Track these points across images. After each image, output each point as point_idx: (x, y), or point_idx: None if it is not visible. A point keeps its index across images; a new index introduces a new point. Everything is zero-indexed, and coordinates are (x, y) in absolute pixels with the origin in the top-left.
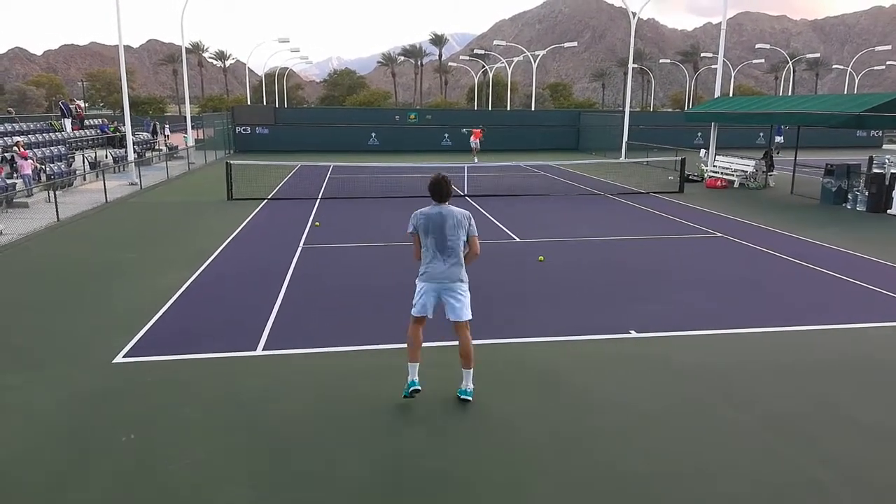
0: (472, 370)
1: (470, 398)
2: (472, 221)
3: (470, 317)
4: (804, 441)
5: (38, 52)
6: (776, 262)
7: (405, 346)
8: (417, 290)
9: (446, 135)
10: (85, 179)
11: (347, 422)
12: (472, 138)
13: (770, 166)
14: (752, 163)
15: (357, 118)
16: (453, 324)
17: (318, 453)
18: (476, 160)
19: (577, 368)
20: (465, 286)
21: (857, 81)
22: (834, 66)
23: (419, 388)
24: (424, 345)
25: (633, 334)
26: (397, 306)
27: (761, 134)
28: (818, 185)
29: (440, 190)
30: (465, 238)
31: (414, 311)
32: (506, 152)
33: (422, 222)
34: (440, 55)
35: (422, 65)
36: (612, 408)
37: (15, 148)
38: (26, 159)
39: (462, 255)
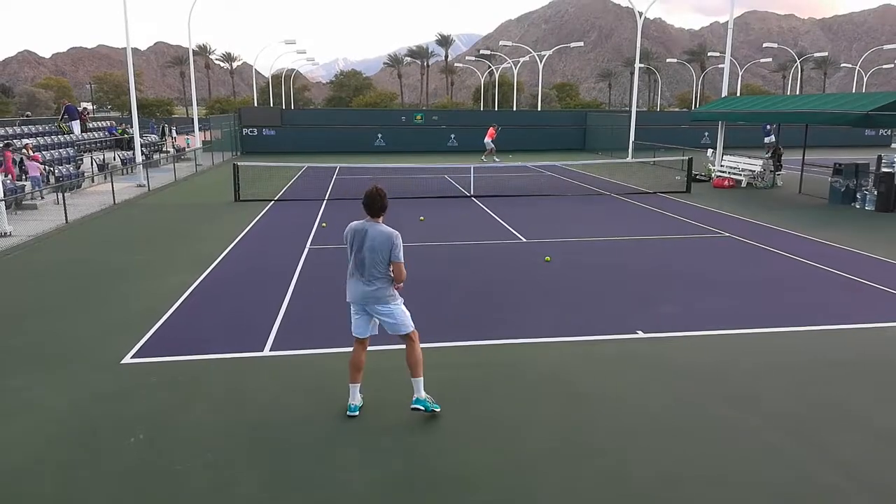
0: (421, 379)
1: (423, 408)
2: (398, 245)
3: (409, 328)
4: (816, 444)
5: (47, 55)
6: (784, 262)
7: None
8: (350, 309)
9: (452, 135)
10: (93, 181)
11: (355, 423)
12: (486, 137)
13: (778, 166)
14: (760, 162)
15: (363, 119)
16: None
17: (326, 455)
18: (496, 159)
19: (583, 369)
20: (391, 303)
21: (865, 80)
22: (842, 65)
23: (356, 413)
24: (424, 346)
25: (641, 335)
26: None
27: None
28: (826, 185)
29: (370, 204)
30: (385, 261)
31: (353, 332)
32: (512, 152)
33: (349, 236)
34: (446, 56)
35: (428, 66)
36: (619, 409)
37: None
38: (35, 161)
39: (383, 276)
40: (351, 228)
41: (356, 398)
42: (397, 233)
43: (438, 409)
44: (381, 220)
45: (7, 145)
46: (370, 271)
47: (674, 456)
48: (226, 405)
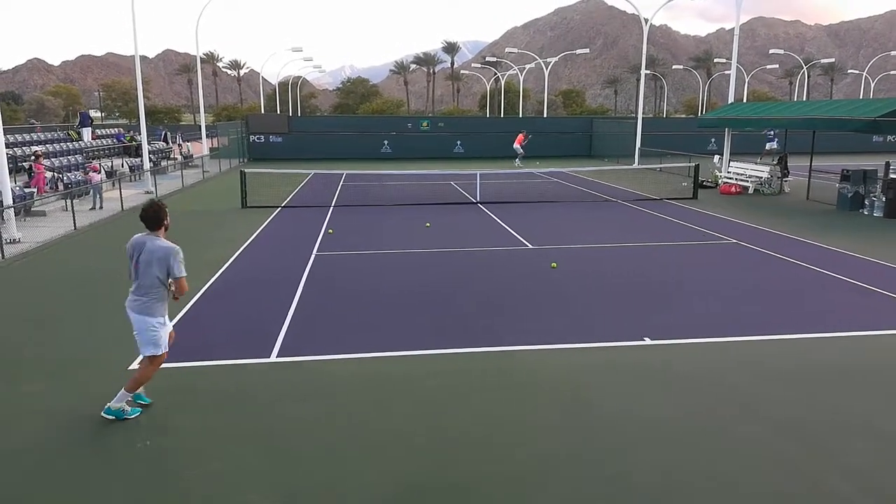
0: (128, 395)
1: (110, 416)
2: (177, 261)
3: (159, 352)
4: (824, 451)
5: (56, 63)
6: (792, 269)
7: (420, 352)
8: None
9: (458, 142)
10: (101, 188)
11: (361, 429)
12: (515, 143)
13: (785, 172)
14: (767, 168)
15: (370, 126)
16: None
17: (334, 461)
18: (518, 163)
19: (589, 376)
20: (151, 322)
21: (872, 86)
22: (849, 71)
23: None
24: (430, 352)
25: (648, 342)
26: (410, 313)
27: (776, 140)
28: (834, 191)
29: (146, 218)
30: (162, 275)
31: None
32: (523, 159)
33: (128, 248)
34: (452, 63)
35: (434, 73)
36: (624, 416)
37: (33, 158)
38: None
39: (153, 290)
40: (132, 239)
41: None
42: (178, 248)
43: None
44: (161, 233)
45: (38, 157)
46: (140, 284)
47: (680, 463)
48: (233, 411)
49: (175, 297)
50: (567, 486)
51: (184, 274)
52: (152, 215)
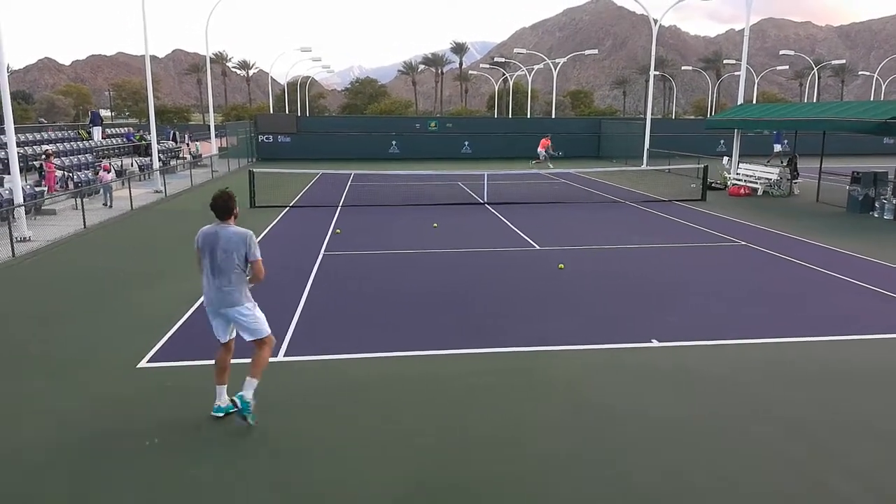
0: (256, 381)
1: (240, 407)
2: (253, 244)
3: (265, 333)
4: (830, 453)
5: (66, 63)
6: (801, 271)
7: (428, 353)
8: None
9: (466, 142)
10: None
11: (368, 431)
12: (539, 147)
13: (795, 174)
14: (776, 170)
15: (378, 126)
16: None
17: (342, 460)
18: (550, 166)
19: (597, 377)
20: (246, 308)
21: (883, 88)
22: (860, 73)
23: (221, 414)
24: (439, 352)
25: (655, 343)
26: (419, 313)
27: (785, 141)
28: (844, 194)
29: (216, 207)
30: (241, 262)
31: (216, 336)
32: (526, 160)
33: (199, 241)
34: (461, 63)
35: (442, 73)
36: (631, 418)
37: (44, 157)
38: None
39: (237, 278)
40: (202, 232)
41: (223, 399)
42: (251, 232)
43: (252, 423)
44: (231, 222)
45: (48, 156)
46: (224, 273)
47: (686, 464)
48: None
49: (251, 281)
50: (573, 486)
51: (259, 257)
52: (222, 204)
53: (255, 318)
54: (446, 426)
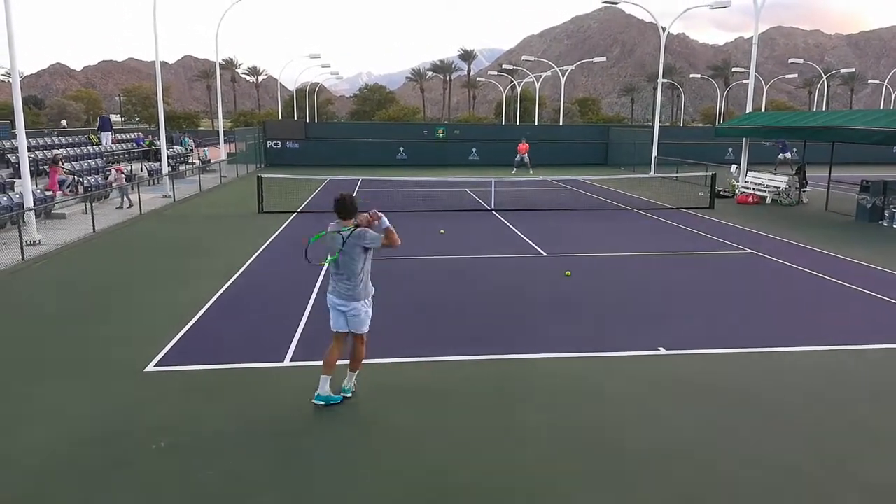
0: (356, 373)
1: (349, 395)
2: (367, 235)
3: (366, 330)
4: (840, 465)
5: (78, 68)
6: (809, 280)
7: (432, 359)
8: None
9: (474, 149)
10: (128, 189)
11: (372, 433)
12: (522, 151)
13: (804, 182)
14: (785, 178)
15: (386, 133)
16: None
17: (345, 464)
18: (529, 172)
19: (604, 385)
20: (361, 303)
21: (893, 96)
22: (869, 81)
23: (322, 402)
24: (444, 359)
25: (662, 351)
26: (422, 319)
27: (794, 149)
28: (853, 202)
29: (340, 208)
30: (362, 255)
31: (331, 326)
32: (534, 167)
33: (326, 238)
34: (469, 70)
35: (450, 80)
36: (638, 426)
37: (52, 160)
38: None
39: (354, 276)
40: (327, 230)
41: (325, 389)
42: (362, 228)
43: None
44: (351, 222)
45: (55, 160)
46: (345, 269)
47: (692, 475)
48: (247, 414)
49: (394, 245)
50: (576, 497)
51: (382, 232)
52: (345, 206)
53: (367, 313)
54: (450, 428)
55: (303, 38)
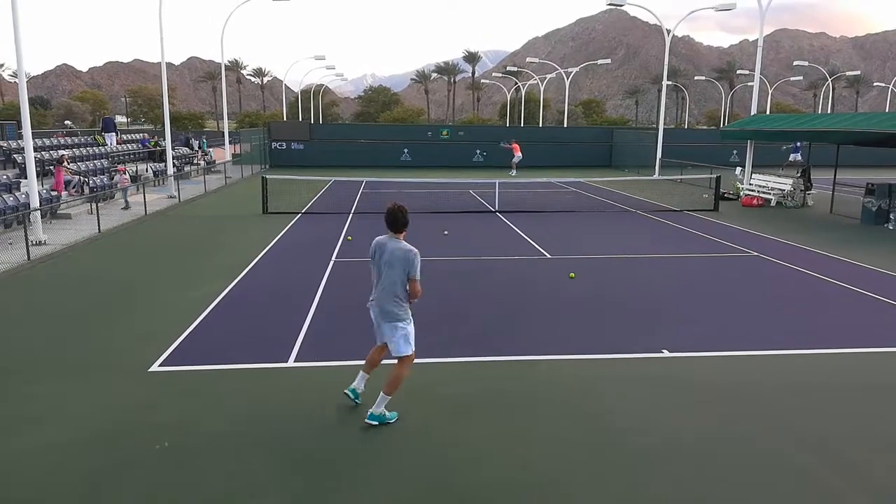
0: (389, 398)
1: (375, 423)
2: (416, 262)
3: (405, 353)
4: (847, 468)
5: (84, 69)
6: (814, 283)
7: (436, 360)
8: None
9: (478, 151)
10: (128, 191)
11: (378, 436)
12: (515, 152)
13: (808, 185)
14: (790, 181)
15: (390, 134)
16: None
17: (348, 467)
18: (513, 173)
19: (608, 388)
20: (400, 324)
21: None
22: (875, 84)
23: (350, 394)
24: (447, 360)
25: (667, 354)
26: (426, 321)
27: (799, 151)
28: (858, 205)
29: (390, 220)
30: (402, 277)
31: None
32: (538, 168)
33: (372, 250)
34: (473, 72)
35: (455, 82)
36: (642, 429)
37: (58, 161)
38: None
39: (397, 293)
40: (375, 242)
41: (359, 384)
42: (416, 250)
43: (392, 420)
44: (402, 236)
45: (60, 161)
46: (385, 286)
47: (697, 478)
48: (250, 415)
49: (409, 300)
50: (581, 499)
51: (419, 277)
52: (395, 219)
53: (405, 336)
54: (452, 432)
55: (308, 39)
